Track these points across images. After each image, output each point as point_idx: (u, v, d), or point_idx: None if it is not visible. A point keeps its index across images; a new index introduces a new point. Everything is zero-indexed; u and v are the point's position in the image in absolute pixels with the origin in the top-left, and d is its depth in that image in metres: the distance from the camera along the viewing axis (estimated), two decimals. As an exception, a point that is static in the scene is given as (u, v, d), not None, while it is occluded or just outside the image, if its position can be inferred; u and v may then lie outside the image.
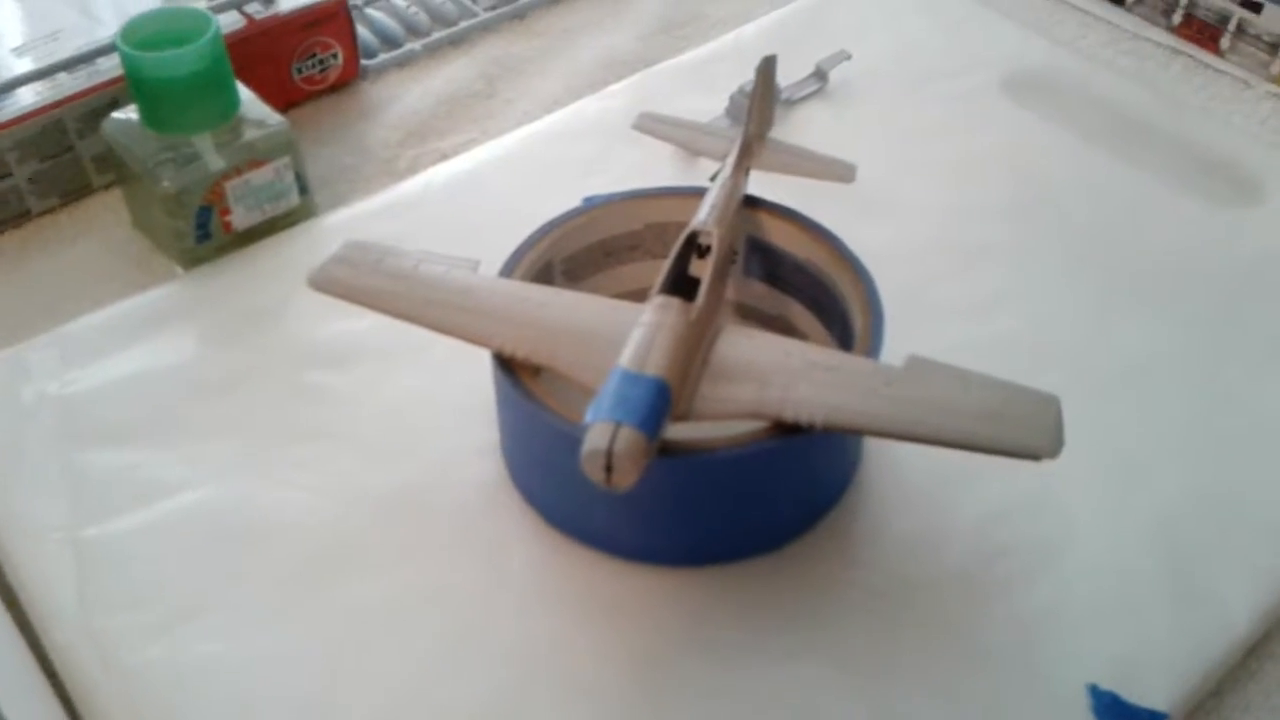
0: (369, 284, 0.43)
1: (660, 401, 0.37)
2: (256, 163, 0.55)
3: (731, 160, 0.48)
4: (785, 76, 0.65)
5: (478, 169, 0.61)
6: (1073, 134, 0.62)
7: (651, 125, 0.51)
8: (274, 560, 0.44)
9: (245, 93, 0.57)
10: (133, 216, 0.59)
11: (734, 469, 0.40)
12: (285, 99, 0.66)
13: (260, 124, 0.56)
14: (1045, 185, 0.60)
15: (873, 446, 0.47)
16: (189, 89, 0.53)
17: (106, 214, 0.60)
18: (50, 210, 0.61)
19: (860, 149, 0.56)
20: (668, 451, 0.39)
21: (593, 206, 0.49)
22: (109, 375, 0.50)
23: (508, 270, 0.46)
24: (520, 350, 0.41)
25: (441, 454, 0.47)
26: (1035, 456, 0.37)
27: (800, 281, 0.49)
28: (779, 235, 0.48)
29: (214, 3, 0.63)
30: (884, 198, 0.59)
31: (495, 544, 0.44)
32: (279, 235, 0.57)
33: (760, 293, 0.51)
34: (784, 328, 0.51)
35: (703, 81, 0.66)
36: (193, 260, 0.56)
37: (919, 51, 0.68)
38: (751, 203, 0.49)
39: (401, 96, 0.68)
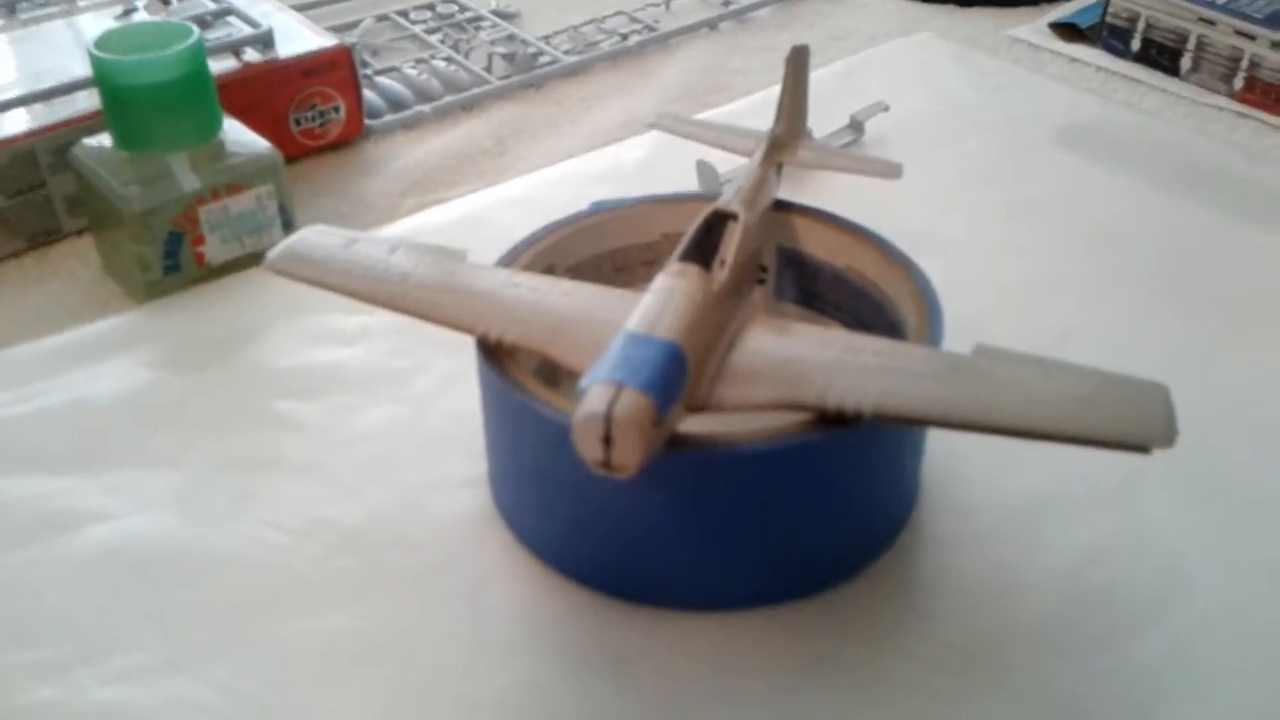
0: (336, 264, 0.37)
1: (673, 367, 0.30)
2: (236, 188, 0.50)
3: (760, 153, 0.42)
4: (819, 127, 0.60)
5: (479, 210, 0.56)
6: (1135, 178, 0.57)
7: (671, 124, 0.46)
8: (200, 598, 0.36)
9: (231, 120, 0.52)
10: (103, 259, 0.54)
11: (765, 470, 0.33)
12: (284, 150, 0.61)
13: (243, 147, 0.51)
14: (1108, 224, 0.54)
15: (931, 477, 0.40)
16: (163, 100, 0.48)
17: (74, 260, 0.55)
18: (16, 254, 0.56)
19: (902, 195, 0.51)
20: (680, 444, 0.31)
21: (602, 210, 0.43)
22: (43, 402, 0.44)
23: (504, 265, 0.40)
24: (510, 334, 0.35)
25: (417, 485, 0.40)
26: (1144, 447, 0.29)
27: (839, 296, 0.42)
28: (814, 242, 0.42)
29: (207, 45, 0.59)
30: (932, 236, 0.52)
31: (475, 581, 0.36)
32: (255, 270, 0.52)
33: (794, 316, 0.44)
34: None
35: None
36: (160, 293, 0.50)
37: (960, 107, 0.63)
38: (782, 207, 0.43)
39: (406, 154, 0.63)
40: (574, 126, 0.66)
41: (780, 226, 0.43)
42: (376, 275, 0.36)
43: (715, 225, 0.37)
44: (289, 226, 0.53)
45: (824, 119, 0.61)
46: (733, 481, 0.33)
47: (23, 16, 0.67)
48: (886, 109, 0.61)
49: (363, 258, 0.37)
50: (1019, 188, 0.56)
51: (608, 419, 0.28)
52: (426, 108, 0.67)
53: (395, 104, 0.68)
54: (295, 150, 0.62)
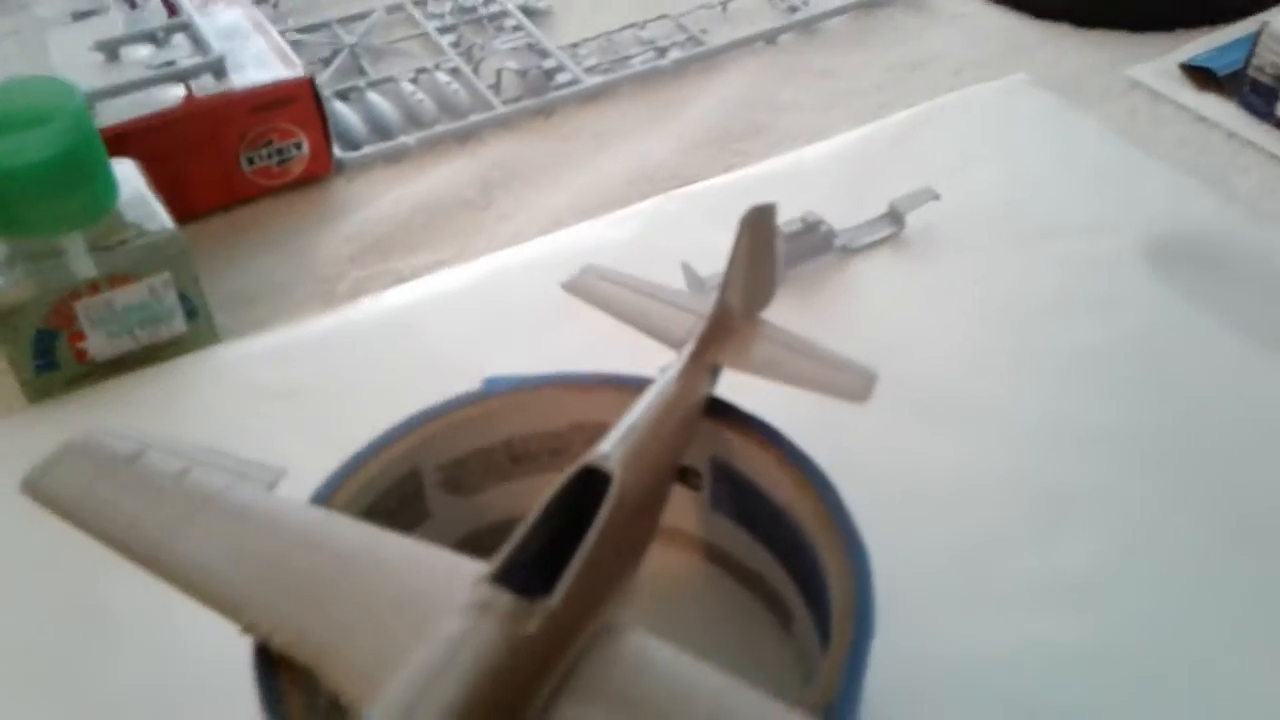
0: (102, 493, 0.30)
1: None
2: (123, 279, 0.43)
3: (689, 351, 0.32)
4: (853, 213, 0.49)
5: (422, 304, 0.47)
6: (1239, 331, 0.44)
7: (590, 287, 0.36)
8: None
9: (135, 187, 0.45)
10: None
11: None
12: (232, 194, 0.54)
13: (138, 230, 0.43)
14: (1191, 398, 0.42)
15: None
16: (41, 180, 0.41)
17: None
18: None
19: (934, 322, 0.43)
20: None
21: (493, 394, 0.34)
22: None
23: (333, 485, 0.31)
24: (279, 634, 0.27)
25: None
26: None
27: (779, 534, 0.33)
28: (753, 466, 0.33)
29: (156, 71, 0.52)
30: (954, 398, 0.42)
31: None
32: (157, 367, 0.45)
33: (733, 536, 0.35)
34: (766, 593, 0.35)
35: (744, 209, 0.51)
36: (39, 392, 0.44)
37: (1037, 196, 0.51)
38: (718, 410, 0.33)
39: (377, 199, 0.55)
40: (574, 175, 0.56)
41: (712, 437, 0.33)
42: (143, 523, 0.29)
43: (571, 498, 0.27)
44: (194, 315, 0.45)
45: (864, 194, 0.50)
46: None
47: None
48: (936, 198, 0.49)
49: (138, 486, 0.30)
50: (1085, 328, 0.45)
51: None
52: (411, 139, 0.58)
53: (381, 130, 0.59)
54: (250, 192, 0.54)
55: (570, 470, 0.28)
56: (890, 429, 0.40)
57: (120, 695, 0.34)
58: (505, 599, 0.25)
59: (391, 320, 0.46)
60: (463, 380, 0.43)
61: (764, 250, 0.34)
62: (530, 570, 0.27)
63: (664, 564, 0.36)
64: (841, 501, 0.30)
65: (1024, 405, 0.42)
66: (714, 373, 0.33)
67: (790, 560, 0.33)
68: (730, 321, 0.33)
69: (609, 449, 0.29)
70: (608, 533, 0.27)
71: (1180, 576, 0.36)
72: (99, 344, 0.44)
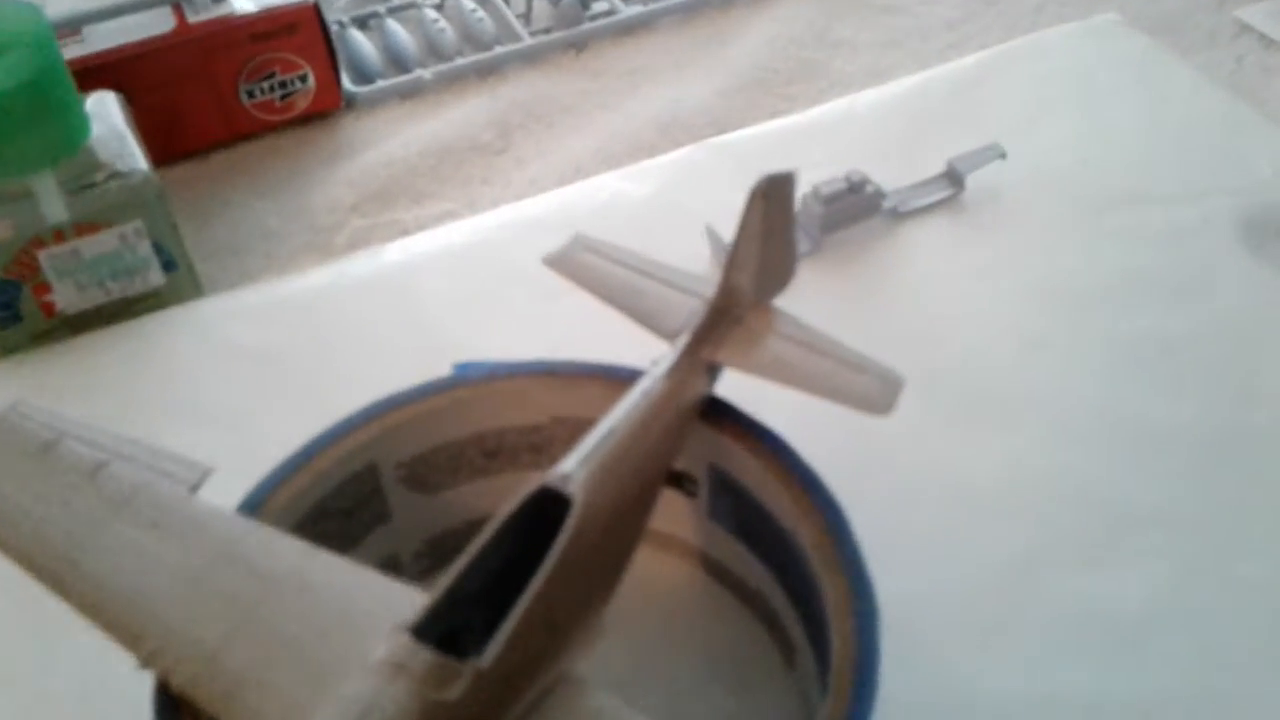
0: (6, 491, 0.26)
1: None
2: (90, 227, 0.39)
3: (682, 344, 0.28)
4: (906, 172, 0.44)
5: (421, 263, 0.43)
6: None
7: (577, 262, 0.31)
8: None
9: (111, 123, 0.41)
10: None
11: None
12: (231, 129, 0.50)
13: (109, 173, 0.40)
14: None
15: None
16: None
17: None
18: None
19: (988, 300, 0.39)
20: None
21: (463, 382, 0.30)
22: None
23: (272, 484, 0.28)
24: (182, 670, 0.23)
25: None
26: None
27: (781, 556, 0.28)
28: (754, 480, 0.28)
29: (144, -5, 0.48)
30: (1002, 389, 0.37)
31: None
32: (129, 324, 0.41)
33: (732, 550, 0.31)
34: (767, 616, 0.31)
35: (783, 165, 0.45)
36: (8, 348, 0.41)
37: (1117, 157, 0.45)
38: (717, 412, 0.28)
39: (386, 140, 0.51)
40: (602, 118, 0.51)
41: (708, 442, 0.29)
42: (49, 531, 0.25)
43: (519, 530, 0.23)
44: (171, 266, 0.42)
45: (920, 150, 0.45)
46: None
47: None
48: (1002, 157, 0.44)
49: (48, 485, 0.26)
50: (1162, 314, 0.39)
51: None
52: (428, 73, 0.53)
53: (398, 62, 0.54)
54: (252, 127, 0.50)
55: (523, 492, 0.24)
56: (925, 423, 0.35)
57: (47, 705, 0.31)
58: (424, 657, 0.21)
59: (387, 280, 0.42)
60: (459, 350, 0.39)
61: (779, 225, 0.29)
62: (471, 611, 0.23)
63: (657, 572, 0.32)
64: (850, 534, 0.26)
65: (1082, 401, 0.37)
66: (713, 370, 0.28)
67: (793, 586, 0.29)
68: (736, 309, 0.29)
69: (572, 466, 0.24)
70: (563, 570, 0.23)
71: (1254, 622, 0.31)
72: (67, 296, 0.40)
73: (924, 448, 0.35)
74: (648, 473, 0.26)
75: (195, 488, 0.26)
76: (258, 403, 0.38)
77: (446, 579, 0.23)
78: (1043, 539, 0.33)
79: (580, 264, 0.31)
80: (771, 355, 0.28)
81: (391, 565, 0.32)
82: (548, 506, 0.24)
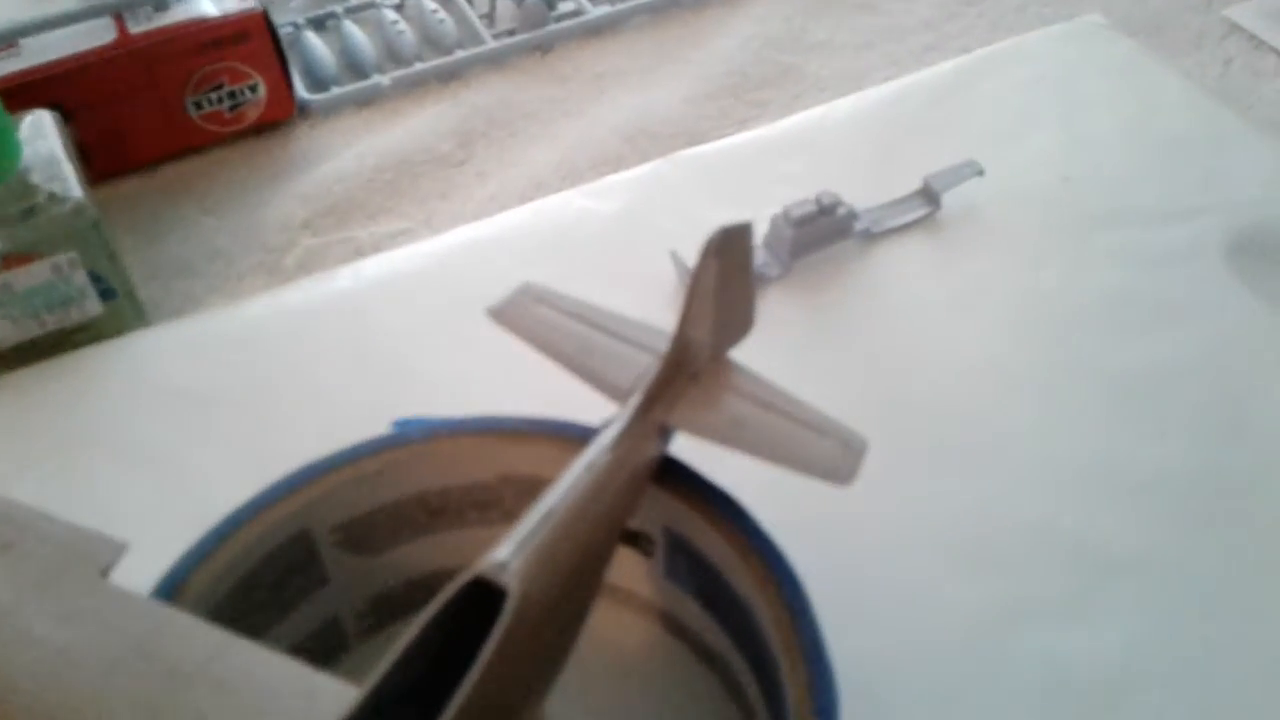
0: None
1: None
2: (21, 259, 0.38)
3: (632, 408, 0.26)
4: (880, 189, 0.42)
5: (375, 288, 0.41)
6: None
7: (523, 315, 0.29)
8: None
9: (47, 145, 0.39)
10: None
11: None
12: (179, 142, 0.48)
13: (42, 202, 0.38)
14: (1277, 440, 0.35)
15: None
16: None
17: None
18: None
19: (964, 328, 0.38)
20: None
21: (400, 443, 0.28)
22: None
23: (192, 561, 0.26)
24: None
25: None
26: None
27: (740, 624, 0.27)
28: (709, 543, 0.27)
29: (85, 4, 0.45)
30: (979, 426, 0.36)
31: None
32: (63, 359, 0.39)
33: (691, 610, 0.29)
34: (730, 682, 0.29)
35: (754, 182, 0.44)
36: (-61, 381, 0.39)
37: (1100, 171, 0.43)
38: (671, 472, 0.27)
39: (341, 152, 0.49)
40: (567, 127, 0.49)
41: (660, 505, 0.27)
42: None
43: (452, 621, 0.22)
44: (109, 295, 0.40)
45: (894, 165, 0.43)
46: None
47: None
48: (980, 174, 0.42)
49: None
50: (1148, 343, 0.37)
51: None
52: (386, 79, 0.51)
53: (354, 66, 0.52)
54: (201, 140, 0.48)
55: (455, 584, 0.22)
56: (892, 465, 0.33)
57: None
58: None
59: (336, 310, 0.40)
60: (410, 388, 0.38)
61: (737, 277, 0.27)
62: (401, 710, 0.21)
63: (615, 628, 0.30)
64: (811, 617, 0.24)
65: (1065, 439, 0.35)
66: (666, 431, 0.27)
67: (753, 656, 0.27)
68: (691, 365, 0.27)
69: (507, 553, 0.22)
70: (500, 666, 0.21)
71: (1245, 681, 0.30)
72: (0, 330, 0.39)
73: (890, 491, 0.33)
74: (592, 552, 0.24)
75: (106, 571, 0.24)
76: (194, 448, 0.36)
77: (374, 676, 0.21)
78: (1014, 591, 0.32)
79: (527, 316, 0.29)
80: (728, 417, 0.26)
81: (331, 626, 0.30)
82: (483, 595, 0.22)
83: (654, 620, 0.31)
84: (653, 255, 0.40)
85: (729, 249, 0.26)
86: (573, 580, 0.24)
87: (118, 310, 0.40)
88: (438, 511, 0.29)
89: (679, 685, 0.30)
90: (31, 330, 0.39)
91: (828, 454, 0.26)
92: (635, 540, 0.29)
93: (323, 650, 0.30)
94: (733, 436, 0.26)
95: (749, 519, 0.26)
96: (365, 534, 0.29)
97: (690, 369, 0.27)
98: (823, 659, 0.23)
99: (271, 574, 0.27)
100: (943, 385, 0.37)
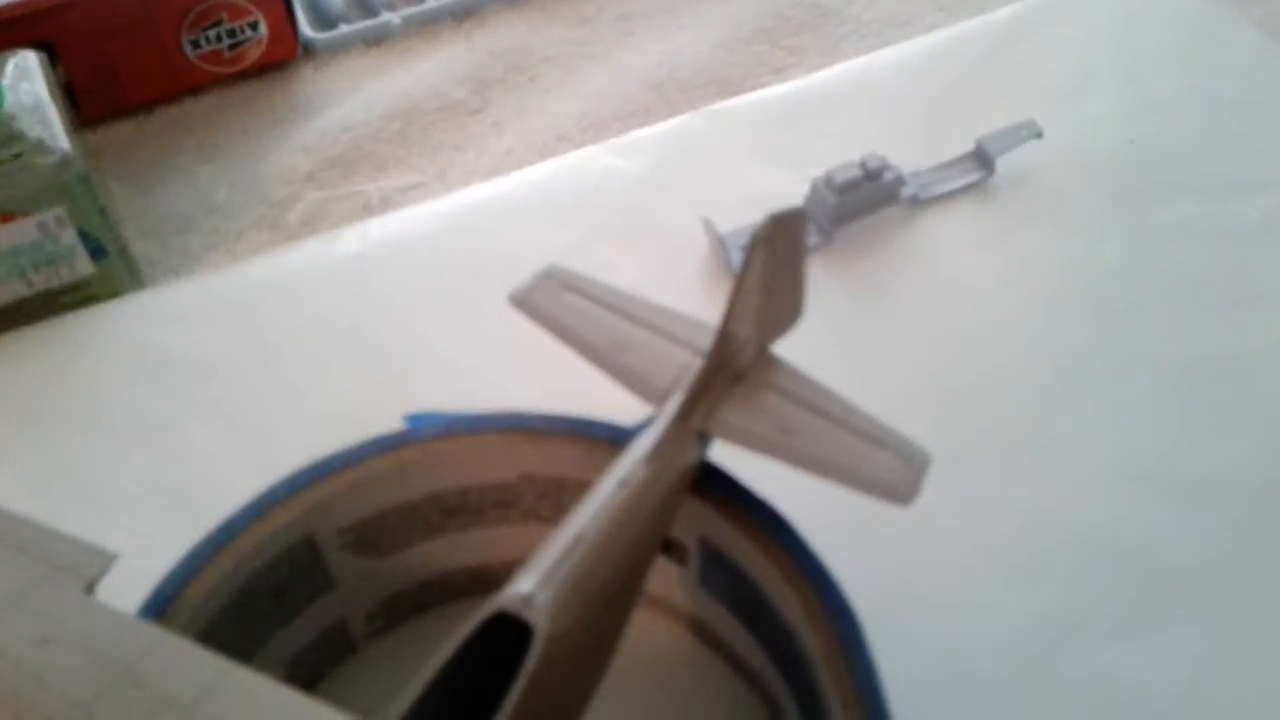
0: None
1: None
2: (5, 215, 0.35)
3: (670, 413, 0.23)
4: (929, 151, 0.39)
5: (381, 250, 0.38)
6: None
7: (548, 303, 0.26)
8: None
9: (33, 90, 0.36)
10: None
11: None
12: (175, 84, 0.45)
13: (30, 146, 0.35)
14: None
15: None
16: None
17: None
18: None
19: (1015, 308, 0.35)
20: None
21: (412, 441, 0.26)
22: None
23: (185, 573, 0.24)
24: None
25: None
26: None
27: (781, 646, 0.25)
28: (749, 559, 0.24)
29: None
30: (1030, 420, 0.33)
31: None
32: (51, 323, 0.37)
33: (727, 622, 0.27)
34: (768, 700, 0.27)
35: (792, 140, 0.40)
36: (-80, 343, 0.37)
37: (1167, 134, 0.40)
38: (710, 481, 0.24)
39: (348, 97, 0.45)
40: (590, 74, 0.46)
41: (698, 517, 0.25)
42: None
43: (471, 667, 0.19)
44: (100, 253, 0.37)
45: (945, 124, 0.40)
46: None
47: None
48: (1038, 136, 0.39)
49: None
50: (1215, 329, 0.35)
51: None
52: (397, 17, 0.48)
53: (363, 3, 0.49)
54: (197, 80, 0.45)
55: (477, 618, 0.20)
56: (942, 459, 0.30)
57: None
58: None
59: (341, 275, 0.37)
60: (418, 363, 0.35)
61: (786, 268, 0.24)
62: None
63: (648, 635, 0.28)
64: (867, 655, 0.22)
65: (1125, 436, 0.32)
66: (704, 439, 0.24)
67: (795, 681, 0.25)
68: (735, 362, 0.24)
69: (533, 585, 0.20)
70: (527, 707, 0.19)
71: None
72: (-20, 290, 0.36)
73: (932, 490, 0.31)
74: (625, 578, 0.22)
75: (91, 586, 0.22)
76: (191, 421, 0.34)
77: (392, 716, 0.19)
78: (1070, 605, 0.29)
79: (552, 303, 0.26)
80: (776, 424, 0.24)
81: (337, 629, 0.28)
82: (506, 622, 0.20)
83: (685, 627, 0.29)
84: (683, 222, 0.37)
85: (780, 236, 0.23)
86: (605, 611, 0.21)
87: (110, 269, 0.38)
88: (454, 511, 0.27)
89: (711, 696, 0.28)
90: (19, 291, 0.37)
91: (886, 469, 0.23)
92: (668, 548, 0.27)
93: (328, 654, 0.28)
94: (781, 447, 0.23)
95: (796, 537, 0.24)
96: (375, 535, 0.26)
97: (733, 368, 0.24)
98: (880, 708, 0.21)
99: (273, 582, 0.25)
100: (992, 372, 0.34)
